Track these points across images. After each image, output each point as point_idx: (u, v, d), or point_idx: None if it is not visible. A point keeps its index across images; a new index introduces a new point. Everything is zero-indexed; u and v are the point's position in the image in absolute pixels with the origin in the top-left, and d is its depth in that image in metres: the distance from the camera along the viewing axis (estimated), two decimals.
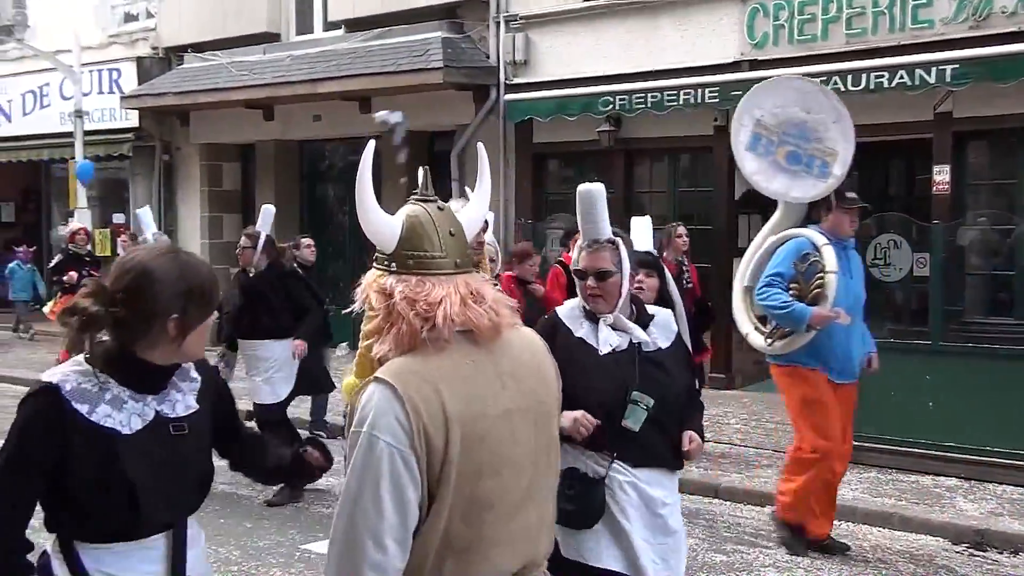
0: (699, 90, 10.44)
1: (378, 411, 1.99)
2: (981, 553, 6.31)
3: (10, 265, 16.15)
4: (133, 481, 2.23)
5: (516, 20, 12.09)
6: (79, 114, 14.72)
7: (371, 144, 2.19)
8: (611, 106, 11.04)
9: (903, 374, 7.60)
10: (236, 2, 14.50)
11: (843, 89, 9.49)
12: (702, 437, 3.42)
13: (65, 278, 11.32)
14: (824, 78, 9.56)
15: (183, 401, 2.39)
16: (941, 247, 8.40)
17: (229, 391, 2.65)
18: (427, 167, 2.38)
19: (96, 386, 2.24)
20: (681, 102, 10.53)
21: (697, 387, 4.16)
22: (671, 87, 10.59)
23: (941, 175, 9.57)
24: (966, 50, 8.99)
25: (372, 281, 2.16)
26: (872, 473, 7.71)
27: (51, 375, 2.25)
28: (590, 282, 3.37)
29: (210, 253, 14.94)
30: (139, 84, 15.33)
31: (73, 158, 14.91)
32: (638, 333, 3.32)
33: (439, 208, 2.24)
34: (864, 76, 9.41)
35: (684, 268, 8.51)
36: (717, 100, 10.36)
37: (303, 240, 9.88)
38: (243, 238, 7.71)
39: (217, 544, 6.32)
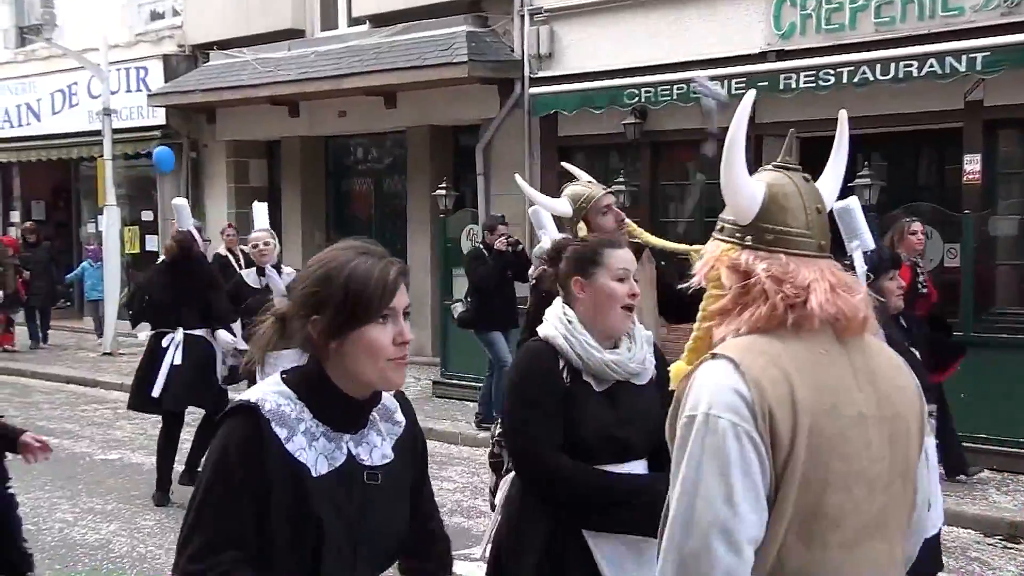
0: (725, 81, 10.33)
1: (716, 388, 1.72)
2: (1015, 546, 6.23)
3: (82, 264, 16.24)
4: (323, 529, 1.91)
5: (540, 13, 12.04)
6: (107, 112, 14.81)
7: (751, 95, 1.95)
8: (636, 98, 10.97)
9: None
10: None
11: (872, 79, 9.40)
12: None
13: None
14: (852, 67, 9.49)
15: (380, 448, 2.04)
16: (972, 237, 8.29)
17: (426, 450, 2.23)
18: (792, 131, 2.11)
19: (294, 411, 1.95)
20: None
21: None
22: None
23: (972, 164, 9.43)
24: (997, 37, 8.85)
25: (720, 255, 1.88)
26: None
27: (249, 394, 1.98)
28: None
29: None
30: (166, 82, 15.43)
31: (102, 156, 15.01)
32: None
33: (805, 179, 1.96)
34: (893, 65, 9.29)
35: (919, 271, 7.50)
36: (743, 91, 10.23)
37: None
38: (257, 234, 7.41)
39: None
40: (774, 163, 1.99)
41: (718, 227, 1.95)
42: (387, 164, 14.88)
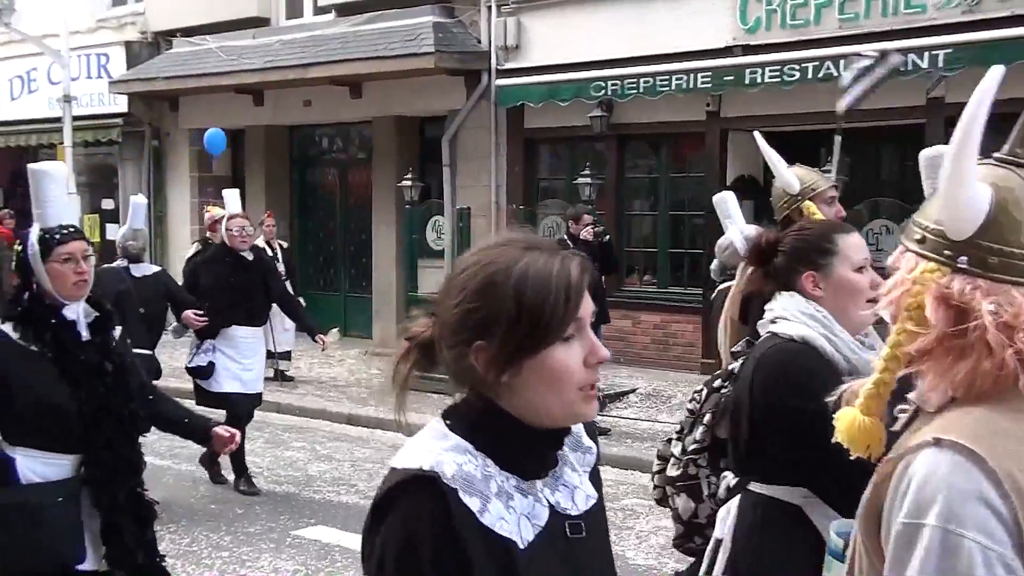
0: (691, 75, 10.40)
1: (954, 493, 1.28)
2: None
3: None
4: None
5: (507, 4, 12.02)
6: (67, 99, 14.59)
7: (997, 70, 1.50)
8: (603, 91, 10.99)
9: None
10: None
11: (836, 74, 9.45)
12: None
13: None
14: (816, 63, 9.57)
15: (581, 487, 1.58)
16: None
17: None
18: None
19: (478, 469, 1.46)
20: (673, 87, 10.49)
21: None
22: (663, 72, 10.54)
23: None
24: (959, 35, 8.96)
25: (923, 278, 1.42)
26: None
27: (418, 456, 1.48)
28: None
29: (200, 239, 14.86)
30: (128, 69, 15.22)
31: (62, 143, 14.80)
32: None
33: None
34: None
35: None
36: (709, 85, 10.32)
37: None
38: (244, 220, 7.34)
39: (208, 530, 6.31)
40: (998, 154, 1.52)
41: (915, 235, 1.47)
42: (352, 154, 14.80)
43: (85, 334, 3.22)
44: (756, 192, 11.32)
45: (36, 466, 3.14)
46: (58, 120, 14.97)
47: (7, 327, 3.15)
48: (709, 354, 9.42)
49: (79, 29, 15.36)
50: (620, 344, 11.44)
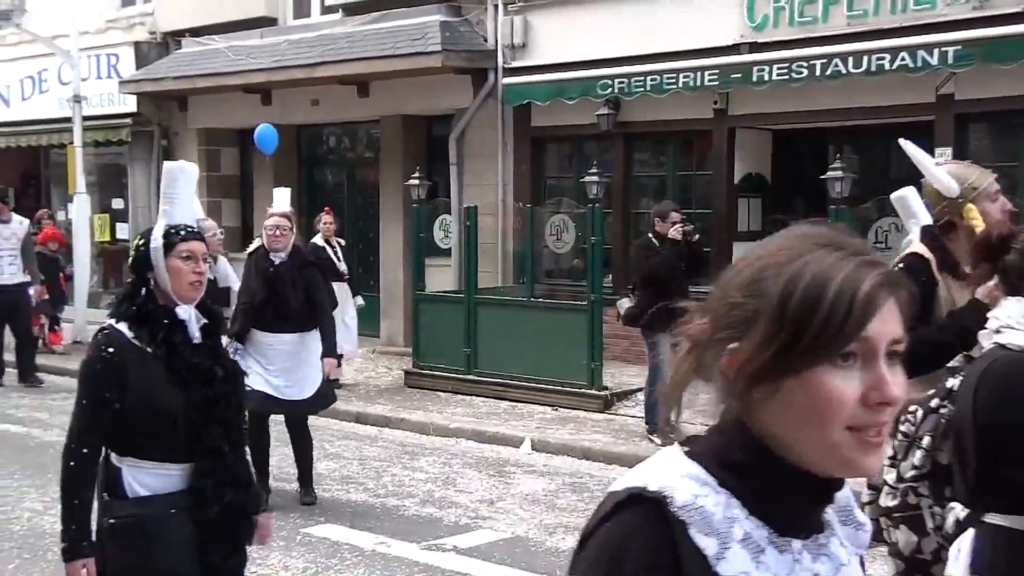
0: (698, 73, 10.38)
1: None
2: None
3: None
4: None
5: (514, 3, 12.02)
6: (77, 99, 14.63)
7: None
8: (610, 89, 10.98)
9: None
10: None
11: (844, 72, 9.45)
12: None
13: None
14: (825, 60, 9.55)
15: (848, 567, 1.25)
16: None
17: None
18: None
19: (719, 508, 1.17)
20: (680, 85, 10.47)
21: None
22: (670, 70, 10.53)
23: (943, 158, 9.49)
24: (968, 31, 8.93)
25: None
26: None
27: (642, 476, 1.20)
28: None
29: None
30: (137, 69, 15.27)
31: (72, 143, 14.84)
32: None
33: None
34: (865, 58, 9.35)
35: None
36: (717, 83, 10.30)
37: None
38: (280, 219, 6.74)
39: None
40: None
41: None
42: (360, 153, 14.82)
43: (197, 337, 3.10)
44: (764, 190, 11.33)
45: (143, 477, 3.01)
46: (68, 120, 15.00)
47: (122, 326, 3.03)
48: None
49: (89, 30, 15.41)
50: (627, 343, 11.43)
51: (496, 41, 12.12)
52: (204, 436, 3.03)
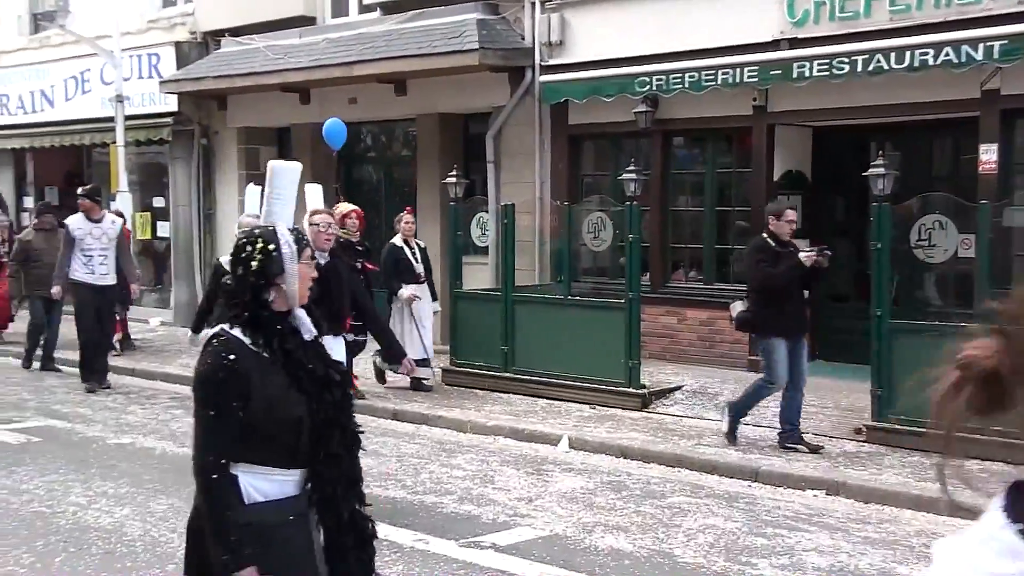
0: (738, 70, 10.30)
1: None
2: None
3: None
4: None
5: (551, 1, 12.00)
6: (119, 99, 14.83)
7: None
8: (647, 87, 10.93)
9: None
10: None
11: (887, 67, 9.34)
12: None
13: None
14: (867, 56, 9.43)
15: None
16: (988, 228, 8.24)
17: None
18: None
19: None
20: (719, 82, 10.39)
21: None
22: (709, 67, 10.45)
23: (988, 154, 9.37)
24: (1015, 25, 8.78)
25: None
26: (915, 457, 7.60)
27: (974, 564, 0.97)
28: None
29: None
30: (178, 68, 15.42)
31: (115, 142, 15.03)
32: None
33: None
34: (908, 54, 9.22)
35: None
36: (756, 80, 10.22)
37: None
38: (327, 216, 6.61)
39: None
40: None
41: None
42: (397, 151, 14.87)
43: (310, 339, 3.05)
44: (804, 188, 11.22)
45: (260, 483, 2.93)
46: (111, 120, 15.21)
47: (236, 331, 2.94)
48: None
49: (130, 30, 15.61)
50: (666, 341, 11.38)
51: (533, 39, 12.10)
52: (325, 441, 2.98)
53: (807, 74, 9.79)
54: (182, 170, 16.21)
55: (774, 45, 10.28)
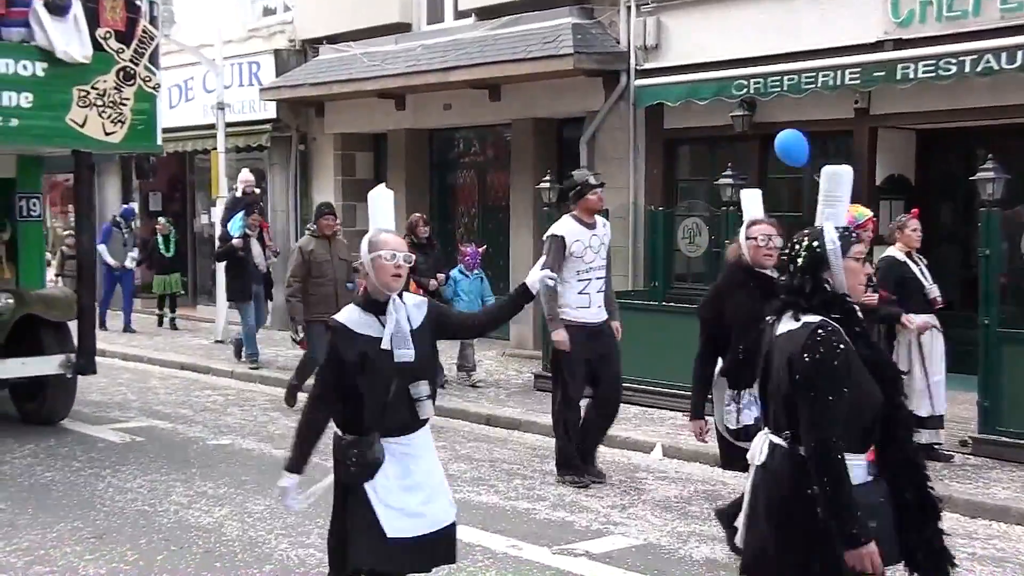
0: (839, 72, 10.05)
1: None
2: None
3: (451, 273, 11.41)
4: None
5: (647, 4, 11.89)
6: (221, 106, 15.21)
7: None
8: (745, 90, 10.74)
9: None
10: None
11: (997, 68, 9.00)
12: None
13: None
14: (975, 56, 9.10)
15: None
16: None
17: None
18: None
19: None
20: (819, 84, 10.15)
21: None
22: (809, 69, 10.22)
23: None
24: None
25: None
26: None
27: None
28: None
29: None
30: (277, 76, 15.76)
31: (216, 148, 15.42)
32: None
33: None
34: (1020, 53, 8.87)
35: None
36: (858, 82, 9.95)
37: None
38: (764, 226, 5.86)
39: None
40: None
41: None
42: (490, 157, 14.92)
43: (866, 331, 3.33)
44: (907, 192, 10.89)
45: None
46: (212, 127, 15.61)
47: (816, 319, 3.21)
48: None
49: (232, 39, 16.01)
50: None
51: (628, 43, 12.02)
52: (891, 425, 3.22)
53: (912, 75, 9.49)
54: (280, 175, 16.55)
55: (877, 46, 10.01)
